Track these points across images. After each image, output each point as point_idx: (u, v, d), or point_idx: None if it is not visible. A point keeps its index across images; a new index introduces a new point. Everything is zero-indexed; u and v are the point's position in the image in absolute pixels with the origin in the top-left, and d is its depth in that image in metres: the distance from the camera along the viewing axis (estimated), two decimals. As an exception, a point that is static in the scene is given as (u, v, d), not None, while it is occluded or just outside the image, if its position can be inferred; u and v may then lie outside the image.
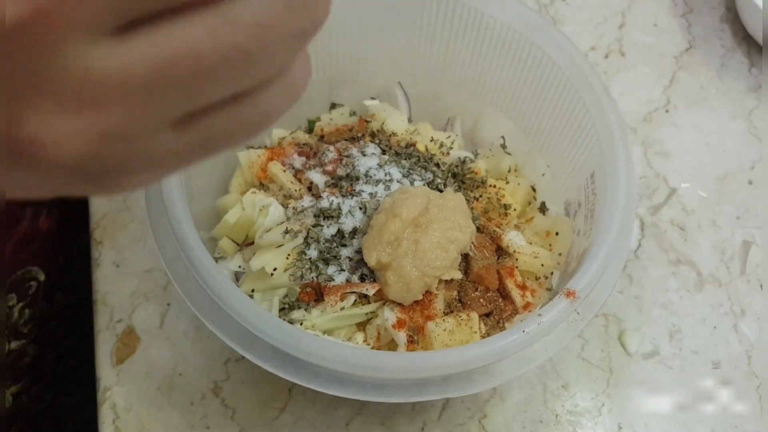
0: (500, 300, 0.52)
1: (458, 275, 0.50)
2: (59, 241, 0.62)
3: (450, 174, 0.57)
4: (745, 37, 0.75)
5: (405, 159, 0.56)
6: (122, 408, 0.55)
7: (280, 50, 0.22)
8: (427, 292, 0.49)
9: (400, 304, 0.49)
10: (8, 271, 0.57)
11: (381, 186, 0.53)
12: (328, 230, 0.51)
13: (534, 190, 0.60)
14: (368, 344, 0.49)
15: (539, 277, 0.54)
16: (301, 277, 0.50)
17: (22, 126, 0.20)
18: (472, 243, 0.52)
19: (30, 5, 0.19)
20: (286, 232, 0.50)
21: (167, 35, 0.20)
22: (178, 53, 0.20)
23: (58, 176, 0.22)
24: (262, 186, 0.55)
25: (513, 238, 0.54)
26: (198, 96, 0.22)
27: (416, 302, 0.49)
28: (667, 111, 0.71)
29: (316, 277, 0.50)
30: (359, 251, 0.50)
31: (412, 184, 0.54)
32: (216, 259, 0.53)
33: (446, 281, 0.50)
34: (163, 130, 0.22)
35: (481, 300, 0.51)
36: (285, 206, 0.53)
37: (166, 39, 0.20)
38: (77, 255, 0.65)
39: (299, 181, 0.55)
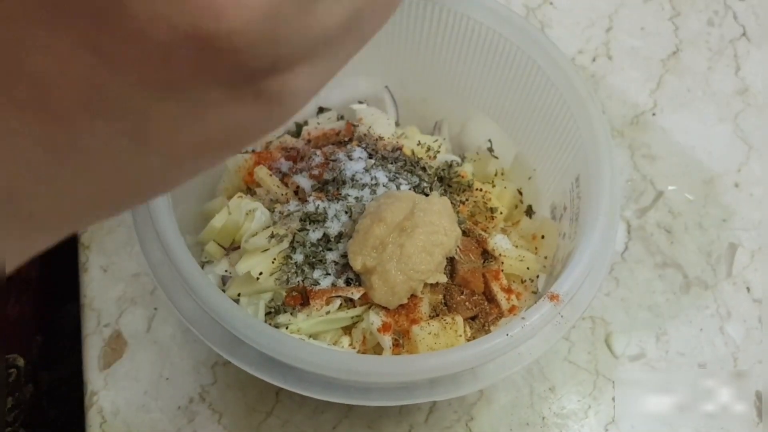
0: (486, 303, 0.52)
1: (443, 279, 0.50)
2: (33, 322, 0.62)
3: (436, 178, 0.58)
4: (731, 40, 0.75)
5: (391, 163, 0.57)
6: (109, 412, 0.55)
7: None
8: (413, 296, 0.49)
9: (385, 308, 0.49)
10: None
11: (367, 190, 0.53)
12: (314, 234, 0.51)
13: (521, 193, 0.60)
14: (354, 348, 0.49)
15: (525, 280, 0.54)
16: (287, 281, 0.50)
17: None
18: (458, 247, 0.52)
19: None
20: (272, 236, 0.51)
21: None
22: None
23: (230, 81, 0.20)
24: (249, 190, 0.56)
25: (499, 242, 0.54)
26: None
27: (401, 306, 0.49)
28: (654, 114, 0.71)
29: (302, 281, 0.50)
30: (345, 255, 0.50)
31: (398, 188, 0.54)
32: (203, 264, 0.53)
33: (432, 285, 0.50)
34: None
35: (467, 303, 0.51)
36: (271, 210, 0.53)
37: None
38: (56, 331, 0.65)
39: (286, 185, 0.55)
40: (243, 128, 0.22)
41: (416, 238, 0.49)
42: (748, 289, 0.63)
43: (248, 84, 0.20)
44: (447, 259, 0.51)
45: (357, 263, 0.49)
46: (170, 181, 0.23)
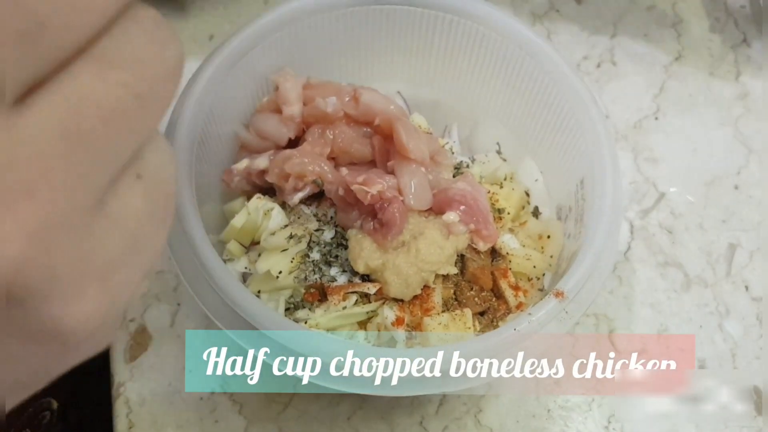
0: (494, 300, 0.55)
1: (454, 270, 0.53)
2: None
3: (447, 179, 0.60)
4: (733, 47, 0.78)
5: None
6: (135, 402, 0.57)
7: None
8: (425, 287, 0.52)
9: (398, 303, 0.52)
10: (21, 408, 0.57)
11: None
12: (328, 233, 0.54)
13: (528, 195, 0.63)
14: (369, 341, 0.51)
15: (531, 278, 0.57)
16: (305, 278, 0.53)
17: None
18: (469, 244, 0.55)
19: None
20: (291, 237, 0.53)
21: (62, 90, 0.19)
22: (80, 104, 0.19)
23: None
24: (264, 190, 0.58)
25: (507, 241, 0.57)
26: (114, 151, 0.20)
27: (415, 297, 0.52)
28: (656, 118, 0.73)
29: (320, 278, 0.53)
30: (360, 253, 0.53)
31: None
32: (224, 261, 0.56)
33: (443, 278, 0.53)
34: (92, 214, 0.20)
35: (476, 299, 0.54)
36: (287, 209, 0.56)
37: (63, 94, 0.19)
38: (85, 371, 0.67)
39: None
40: (43, 367, 0.22)
41: (426, 235, 0.51)
42: (746, 287, 0.65)
43: (27, 313, 0.19)
44: (458, 256, 0.54)
45: (359, 266, 0.52)
46: None
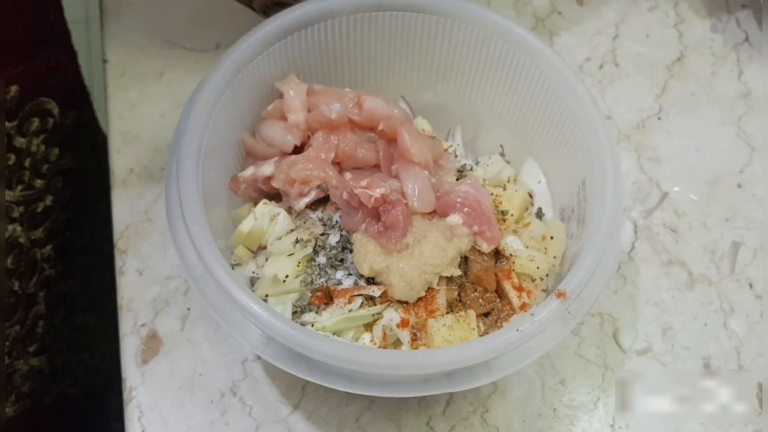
0: (498, 301, 0.55)
1: (457, 272, 0.54)
2: None
3: (451, 182, 0.61)
4: (734, 46, 0.78)
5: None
6: (147, 406, 0.59)
7: None
8: (430, 289, 0.53)
9: (403, 305, 0.53)
10: None
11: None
12: (334, 237, 0.55)
13: (531, 196, 0.63)
14: (374, 344, 0.52)
15: (535, 279, 0.57)
16: (312, 282, 0.54)
17: None
18: (472, 245, 0.56)
19: None
20: (297, 241, 0.54)
21: None
22: None
23: None
24: (271, 196, 0.59)
25: (510, 243, 0.58)
26: None
27: (420, 299, 0.53)
28: (659, 118, 0.74)
29: (326, 281, 0.54)
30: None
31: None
32: (233, 266, 0.57)
33: (447, 279, 0.54)
34: None
35: (480, 300, 0.54)
36: (293, 214, 0.57)
37: None
38: None
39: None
40: None
41: (429, 238, 0.52)
42: (750, 285, 0.66)
43: None
44: (462, 258, 0.55)
45: (364, 269, 0.52)
46: None
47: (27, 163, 0.61)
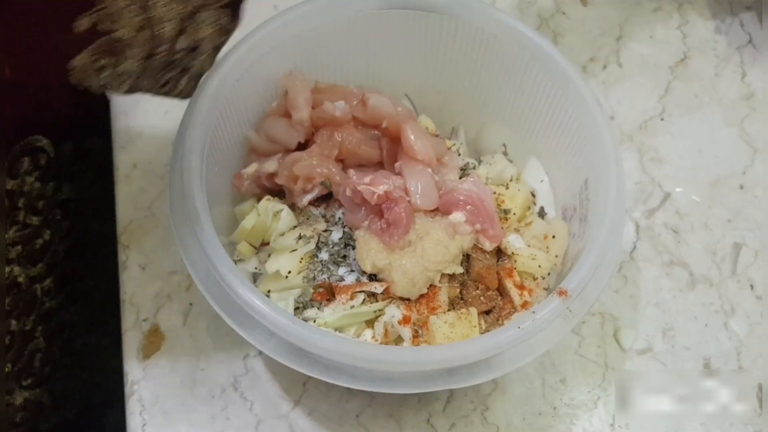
0: (499, 299, 0.56)
1: (459, 269, 0.54)
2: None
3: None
4: (738, 48, 0.78)
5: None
6: (148, 401, 0.59)
7: None
8: (431, 286, 0.53)
9: (405, 302, 0.53)
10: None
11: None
12: (336, 234, 0.55)
13: (533, 195, 0.63)
14: (376, 340, 0.52)
15: (537, 278, 0.57)
16: (314, 278, 0.54)
17: None
18: (474, 243, 0.56)
19: None
20: (300, 237, 0.55)
21: None
22: None
23: None
24: (274, 192, 0.59)
25: (512, 241, 0.58)
26: None
27: (422, 296, 0.53)
28: (662, 119, 0.74)
29: (328, 278, 0.54)
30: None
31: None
32: (235, 262, 0.57)
33: (449, 276, 0.54)
34: None
35: (482, 298, 0.55)
36: (296, 210, 0.57)
37: None
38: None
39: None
40: None
41: (432, 235, 0.52)
42: (751, 286, 0.66)
43: None
44: (464, 256, 0.55)
45: (366, 266, 0.53)
46: None
47: (21, 203, 0.60)
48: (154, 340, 0.61)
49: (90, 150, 0.67)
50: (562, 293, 0.49)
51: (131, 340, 0.61)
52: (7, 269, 0.60)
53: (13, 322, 0.63)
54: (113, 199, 0.66)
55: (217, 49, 0.49)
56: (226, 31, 0.50)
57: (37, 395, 0.69)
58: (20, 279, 0.63)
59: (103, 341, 0.74)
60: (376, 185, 0.53)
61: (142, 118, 0.70)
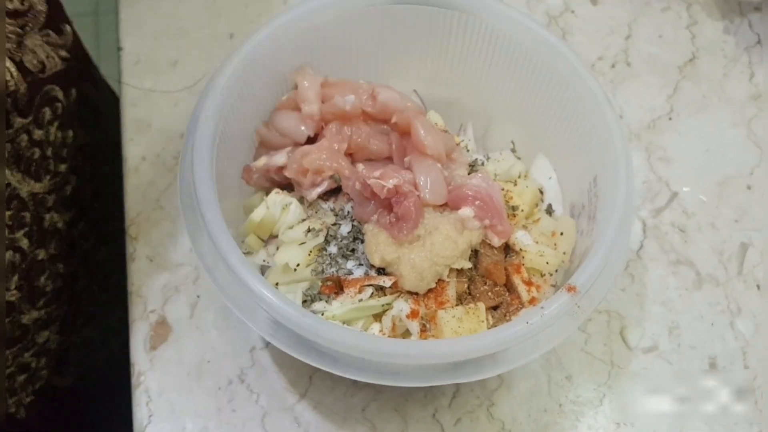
0: (507, 294, 0.56)
1: (468, 265, 0.54)
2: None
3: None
4: (746, 48, 0.78)
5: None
6: (155, 392, 0.59)
7: None
8: (440, 280, 0.53)
9: (413, 296, 0.53)
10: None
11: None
12: (345, 228, 0.55)
13: (541, 192, 0.63)
14: (384, 334, 0.53)
15: (544, 274, 0.58)
16: (322, 271, 0.54)
17: None
18: (483, 239, 0.56)
19: None
20: (309, 230, 0.55)
21: None
22: None
23: None
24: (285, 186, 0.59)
25: (520, 238, 0.58)
26: None
27: (430, 290, 0.53)
28: (670, 119, 0.74)
29: (336, 271, 0.54)
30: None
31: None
32: (244, 254, 0.57)
33: (458, 271, 0.54)
34: None
35: (490, 294, 0.55)
36: (305, 204, 0.57)
37: None
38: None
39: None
40: None
41: (441, 230, 0.53)
42: (758, 286, 0.66)
43: None
44: (471, 251, 0.55)
45: (375, 259, 0.53)
46: None
47: (49, 152, 0.63)
48: (161, 332, 0.61)
49: (88, 95, 0.69)
50: (570, 289, 0.49)
51: (138, 331, 0.61)
52: (48, 217, 0.63)
53: (60, 265, 0.66)
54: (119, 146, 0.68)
55: None
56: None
57: (89, 332, 0.73)
58: (59, 225, 0.65)
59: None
60: (385, 179, 0.53)
61: (151, 110, 0.70)
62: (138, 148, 0.68)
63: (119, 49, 0.73)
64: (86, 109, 0.69)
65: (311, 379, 0.60)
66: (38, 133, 0.59)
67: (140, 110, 0.70)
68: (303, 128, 0.59)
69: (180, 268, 0.63)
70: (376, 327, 0.53)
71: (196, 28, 0.75)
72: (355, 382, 0.49)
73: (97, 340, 0.76)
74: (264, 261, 0.56)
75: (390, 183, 0.53)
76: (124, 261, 0.64)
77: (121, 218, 0.66)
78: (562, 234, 0.59)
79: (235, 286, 0.49)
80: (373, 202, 0.55)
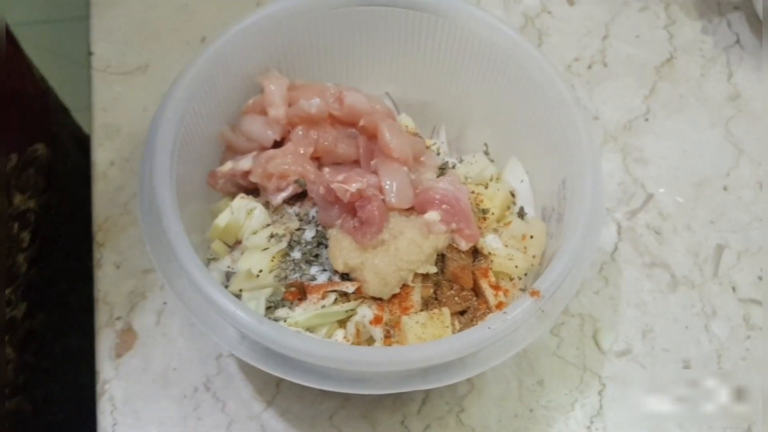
0: (475, 299, 0.55)
1: (433, 269, 0.53)
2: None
3: (431, 180, 0.60)
4: (725, 48, 0.77)
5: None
6: (120, 400, 0.58)
7: None
8: (404, 286, 0.53)
9: (377, 302, 0.52)
10: None
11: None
12: (309, 233, 0.54)
13: (513, 195, 0.63)
14: (348, 340, 0.52)
15: (513, 278, 0.57)
16: (286, 277, 0.53)
17: None
18: (449, 243, 0.55)
19: None
20: (272, 236, 0.54)
21: None
22: None
23: None
24: (249, 190, 0.59)
25: (489, 241, 0.57)
26: None
27: (394, 295, 0.52)
28: (646, 119, 0.73)
29: (300, 277, 0.53)
30: (340, 252, 0.53)
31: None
32: (209, 260, 0.57)
33: (423, 275, 0.54)
34: None
35: (456, 298, 0.54)
36: (270, 209, 0.56)
37: None
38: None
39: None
40: None
41: (405, 234, 0.52)
42: (733, 288, 0.65)
43: None
44: (438, 255, 0.54)
45: (338, 265, 0.52)
46: None
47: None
48: (127, 339, 0.60)
49: (35, 158, 0.66)
50: (534, 294, 0.48)
51: (104, 339, 0.60)
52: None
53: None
54: (81, 201, 0.65)
55: None
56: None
57: (17, 404, 0.69)
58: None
59: (84, 342, 0.74)
60: (349, 183, 0.53)
61: (120, 114, 0.70)
62: (107, 153, 0.68)
63: (90, 53, 0.72)
64: (28, 173, 0.66)
65: (278, 386, 0.59)
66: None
67: (110, 115, 0.69)
68: (269, 132, 0.58)
69: (147, 275, 0.63)
70: (340, 333, 0.52)
71: (168, 31, 0.74)
72: (323, 389, 0.48)
73: (29, 413, 0.72)
74: (228, 267, 0.56)
75: (353, 187, 0.52)
76: (70, 326, 0.62)
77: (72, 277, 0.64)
78: (532, 237, 0.58)
79: (196, 296, 0.48)
80: (337, 206, 0.54)
